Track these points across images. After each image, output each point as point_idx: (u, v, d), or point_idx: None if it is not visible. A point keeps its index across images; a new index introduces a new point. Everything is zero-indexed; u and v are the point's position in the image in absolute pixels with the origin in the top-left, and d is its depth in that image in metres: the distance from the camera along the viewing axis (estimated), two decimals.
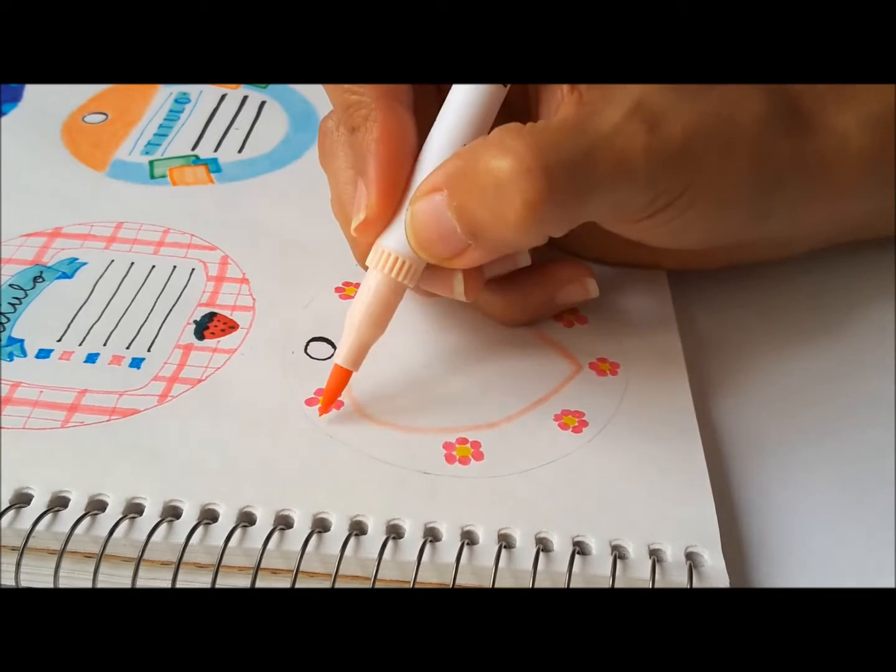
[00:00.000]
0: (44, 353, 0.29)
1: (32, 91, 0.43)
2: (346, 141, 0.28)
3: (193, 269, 0.33)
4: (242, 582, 0.24)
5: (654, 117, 0.25)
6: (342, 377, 0.27)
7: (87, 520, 0.24)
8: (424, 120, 0.27)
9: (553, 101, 0.27)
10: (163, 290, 0.32)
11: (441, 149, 0.26)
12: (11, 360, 0.29)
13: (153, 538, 0.23)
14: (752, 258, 0.33)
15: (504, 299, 0.30)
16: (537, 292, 0.31)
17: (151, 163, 0.39)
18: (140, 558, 0.23)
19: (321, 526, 0.24)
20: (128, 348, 0.30)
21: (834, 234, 0.33)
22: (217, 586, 0.23)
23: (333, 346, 0.30)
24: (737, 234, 0.30)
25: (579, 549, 0.24)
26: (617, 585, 0.23)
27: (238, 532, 0.24)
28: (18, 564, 0.23)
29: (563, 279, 0.31)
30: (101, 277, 0.32)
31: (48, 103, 0.42)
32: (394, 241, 0.26)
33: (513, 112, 0.27)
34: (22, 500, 0.25)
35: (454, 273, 0.27)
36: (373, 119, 0.26)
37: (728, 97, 0.27)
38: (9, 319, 0.30)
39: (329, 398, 0.27)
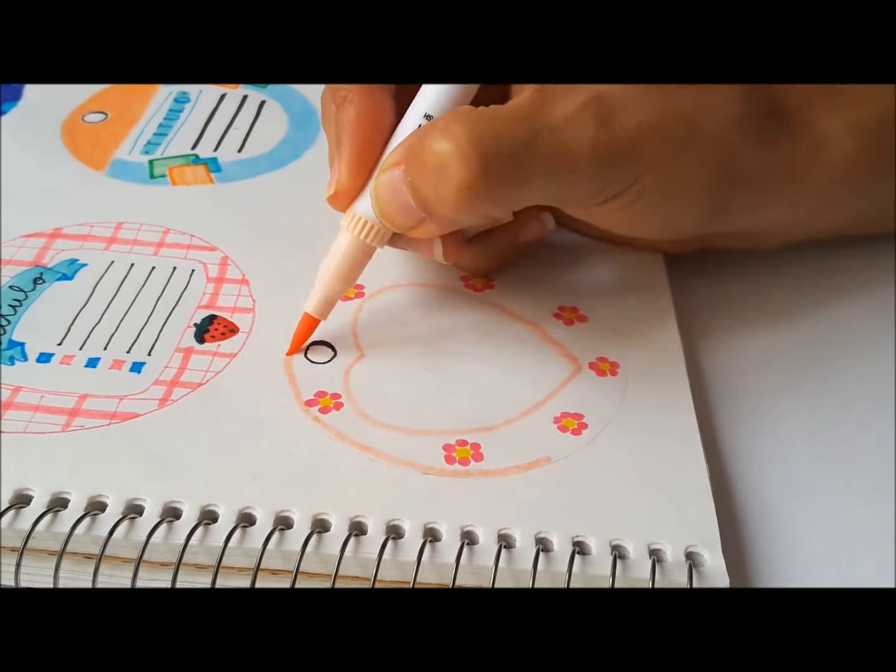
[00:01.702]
0: (44, 358, 0.29)
1: (32, 90, 0.43)
2: (332, 115, 0.29)
3: (193, 271, 0.33)
4: (242, 582, 0.24)
5: (609, 112, 0.26)
6: (310, 325, 0.29)
7: (86, 520, 0.24)
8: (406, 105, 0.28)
9: (520, 87, 0.27)
10: (163, 291, 0.32)
11: (410, 129, 0.27)
12: (12, 364, 0.29)
13: (153, 539, 0.23)
14: (721, 246, 0.34)
15: (471, 249, 0.31)
16: (501, 236, 0.31)
17: (151, 162, 0.39)
18: (140, 559, 0.23)
19: (321, 526, 0.24)
20: (128, 352, 0.29)
21: (816, 232, 0.34)
22: (217, 587, 0.23)
23: (333, 350, 0.30)
24: (691, 228, 0.30)
25: (579, 549, 0.24)
26: (617, 585, 0.23)
27: (238, 532, 0.24)
28: (18, 565, 0.23)
29: (523, 219, 0.31)
30: (101, 279, 0.32)
31: (48, 102, 0.42)
32: (364, 206, 0.28)
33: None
34: (22, 500, 0.25)
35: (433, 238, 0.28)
36: (350, 101, 0.28)
37: (699, 98, 0.27)
38: (9, 322, 0.30)
39: (296, 343, 0.29)
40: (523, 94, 0.26)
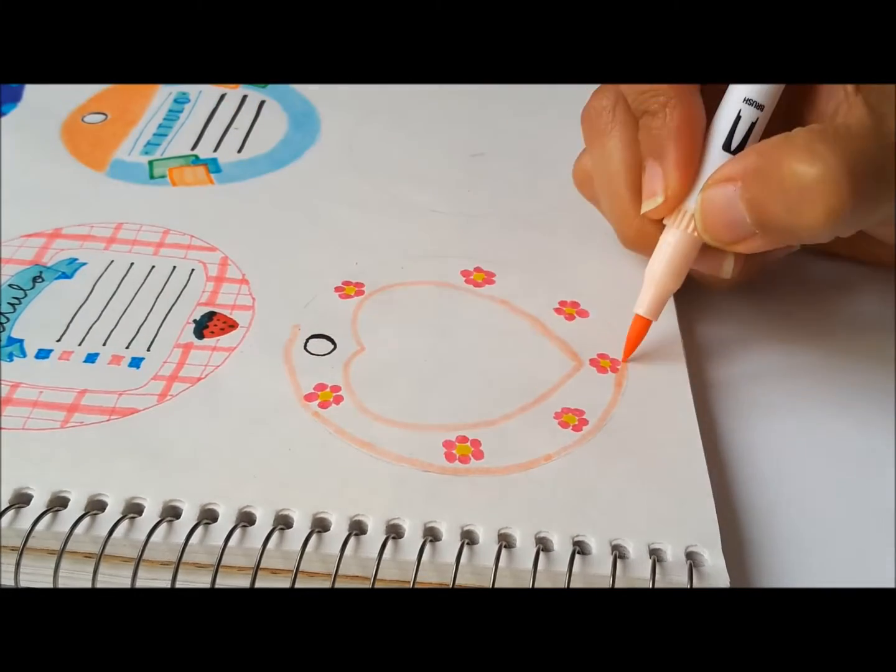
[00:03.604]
0: (43, 354, 0.29)
1: (32, 91, 0.43)
2: (625, 121, 0.29)
3: (193, 270, 0.33)
4: (242, 582, 0.24)
5: None
6: (643, 326, 0.29)
7: (86, 520, 0.24)
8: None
9: (832, 101, 0.28)
10: (162, 290, 0.32)
11: (731, 116, 0.28)
12: (11, 360, 0.29)
13: (153, 538, 0.23)
14: None
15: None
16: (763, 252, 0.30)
17: (151, 163, 0.39)
18: (140, 558, 0.23)
19: (321, 526, 0.24)
20: (127, 348, 0.30)
21: None
22: (217, 586, 0.23)
23: (333, 343, 0.30)
24: None
25: (579, 548, 0.24)
26: (617, 585, 0.23)
27: (238, 532, 0.24)
28: (18, 564, 0.23)
29: None
30: (100, 278, 0.32)
31: (48, 103, 0.42)
32: (693, 203, 0.28)
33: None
34: (21, 500, 0.25)
35: (726, 253, 0.28)
36: (672, 106, 0.27)
37: None
38: (8, 319, 0.30)
39: (631, 346, 0.29)
40: (854, 109, 0.26)
